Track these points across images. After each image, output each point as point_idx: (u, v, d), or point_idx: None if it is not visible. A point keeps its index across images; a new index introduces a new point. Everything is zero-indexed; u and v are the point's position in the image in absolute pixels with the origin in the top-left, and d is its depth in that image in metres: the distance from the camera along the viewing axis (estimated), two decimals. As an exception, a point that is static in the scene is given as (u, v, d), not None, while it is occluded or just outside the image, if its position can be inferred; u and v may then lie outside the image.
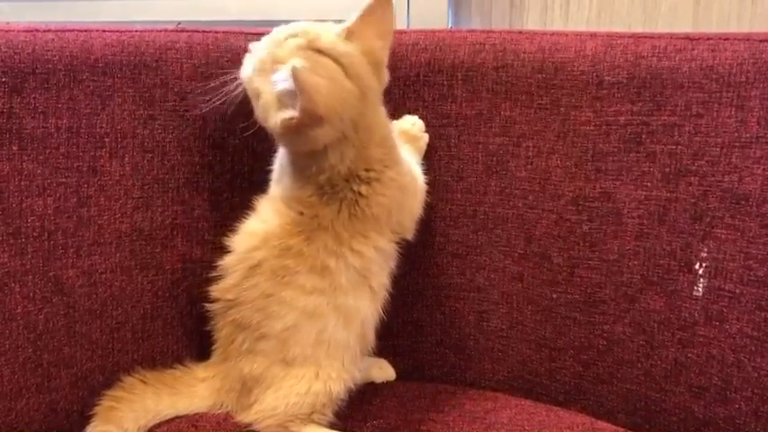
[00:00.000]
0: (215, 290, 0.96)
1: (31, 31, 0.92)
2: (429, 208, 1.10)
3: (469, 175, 1.09)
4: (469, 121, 1.08)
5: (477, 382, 1.12)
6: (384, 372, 1.12)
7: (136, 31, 1.02)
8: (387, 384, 1.11)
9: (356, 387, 1.02)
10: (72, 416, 0.94)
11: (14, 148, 0.90)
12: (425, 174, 1.04)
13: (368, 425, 0.97)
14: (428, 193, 1.08)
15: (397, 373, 1.13)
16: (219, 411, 0.98)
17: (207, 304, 0.97)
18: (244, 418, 0.94)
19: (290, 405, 0.91)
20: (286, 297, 0.91)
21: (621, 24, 1.68)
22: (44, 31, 0.93)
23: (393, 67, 0.96)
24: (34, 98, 0.91)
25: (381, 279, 0.95)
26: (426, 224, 1.09)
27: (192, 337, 1.02)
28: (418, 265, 1.11)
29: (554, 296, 1.05)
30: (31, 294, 0.92)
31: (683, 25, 1.67)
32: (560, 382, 1.07)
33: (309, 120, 0.82)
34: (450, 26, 1.59)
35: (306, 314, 0.90)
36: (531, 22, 1.74)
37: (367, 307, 0.93)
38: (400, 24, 1.53)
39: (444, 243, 1.12)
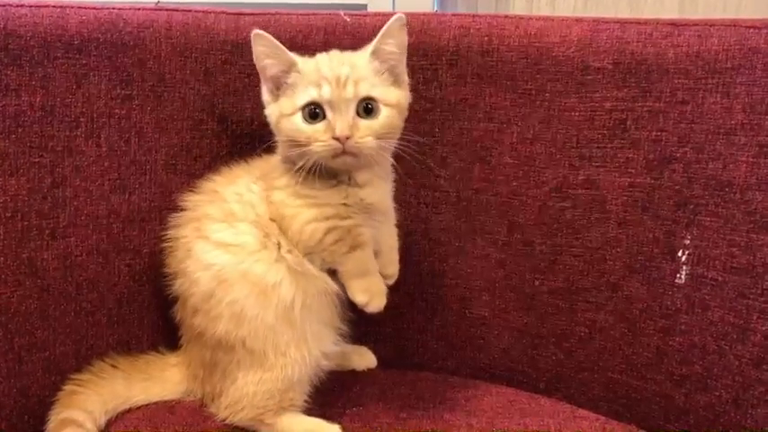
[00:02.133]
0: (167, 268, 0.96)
1: (4, 5, 0.90)
2: (412, 194, 1.09)
3: (453, 161, 1.08)
4: (454, 107, 1.06)
5: (459, 369, 1.12)
6: (365, 359, 1.11)
7: (113, 8, 0.99)
8: (367, 372, 1.10)
9: (336, 374, 1.02)
10: (44, 401, 0.92)
11: (-15, 125, 0.87)
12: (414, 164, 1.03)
13: (347, 412, 0.96)
14: (412, 179, 1.07)
15: (378, 361, 1.12)
16: (192, 399, 0.97)
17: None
18: (216, 411, 0.93)
19: (250, 396, 0.90)
20: (197, 250, 0.90)
21: (607, 14, 1.68)
22: (17, 6, 0.91)
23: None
24: (6, 75, 0.88)
25: (304, 264, 0.91)
26: (409, 210, 1.08)
27: (168, 323, 1.00)
28: (400, 252, 1.09)
29: (536, 284, 1.05)
30: (4, 276, 0.90)
31: (669, 14, 1.67)
32: (542, 369, 1.06)
33: None
34: (435, 10, 1.58)
35: (214, 277, 0.89)
36: (518, 9, 1.73)
37: (288, 287, 0.89)
38: (385, 7, 1.52)
39: (427, 230, 1.11)
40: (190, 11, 1.06)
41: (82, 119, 0.95)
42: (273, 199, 0.91)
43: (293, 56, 0.88)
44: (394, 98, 0.89)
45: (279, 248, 0.90)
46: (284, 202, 0.90)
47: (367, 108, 0.87)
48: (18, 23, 0.89)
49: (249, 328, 0.88)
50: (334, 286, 0.92)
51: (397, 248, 1.00)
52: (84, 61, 0.95)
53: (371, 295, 0.92)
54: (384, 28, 0.88)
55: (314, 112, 0.86)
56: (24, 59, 0.90)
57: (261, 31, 0.87)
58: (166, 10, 1.04)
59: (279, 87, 0.89)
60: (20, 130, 0.90)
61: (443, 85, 1.06)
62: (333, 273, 0.93)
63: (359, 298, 0.92)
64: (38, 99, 0.91)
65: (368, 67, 0.88)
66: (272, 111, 0.90)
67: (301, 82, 0.87)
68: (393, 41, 0.89)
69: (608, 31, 0.98)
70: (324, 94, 0.85)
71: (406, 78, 0.92)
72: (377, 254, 0.95)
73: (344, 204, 0.90)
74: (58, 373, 0.95)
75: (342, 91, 0.85)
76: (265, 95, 0.91)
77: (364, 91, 0.86)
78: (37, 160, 0.92)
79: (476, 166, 1.07)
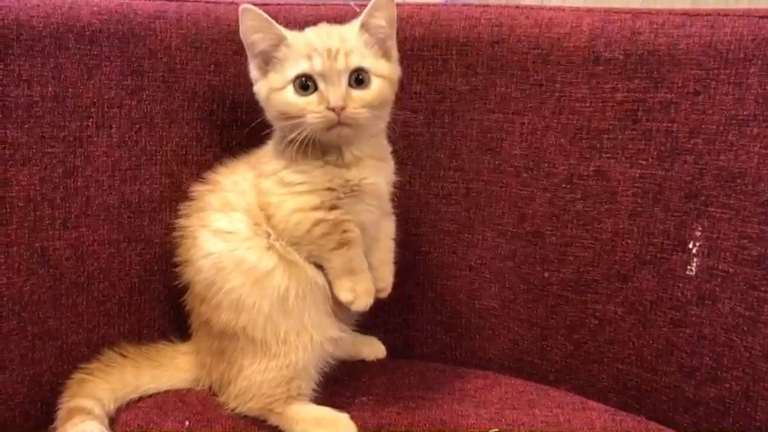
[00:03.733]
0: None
1: (16, -4, 0.90)
2: (422, 185, 1.09)
3: (463, 152, 1.08)
4: (464, 97, 1.06)
5: (468, 360, 1.12)
6: (374, 349, 1.11)
7: (125, -2, 1.00)
8: (377, 362, 1.10)
9: (345, 364, 1.02)
10: (56, 389, 0.92)
11: (-2, 115, 0.88)
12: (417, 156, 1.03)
13: (356, 401, 0.97)
14: (421, 170, 1.07)
15: (387, 351, 1.12)
16: (202, 388, 0.98)
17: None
18: (225, 401, 0.94)
19: (258, 385, 0.90)
20: (200, 238, 0.91)
21: (619, 4, 1.67)
22: (29, -4, 0.91)
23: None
24: (19, 65, 0.89)
25: (293, 254, 0.90)
26: (418, 201, 1.08)
27: (179, 313, 1.01)
28: (410, 243, 1.10)
29: (546, 275, 1.04)
30: (17, 265, 0.91)
31: (682, 6, 1.66)
32: (551, 361, 1.06)
33: None
34: (446, 1, 1.57)
35: (213, 265, 0.90)
36: (529, 0, 1.72)
37: (281, 276, 0.89)
38: (395, -2, 1.51)
39: (436, 221, 1.11)
40: (200, 1, 1.07)
41: (93, 109, 0.96)
42: (261, 187, 0.91)
43: (283, 30, 0.87)
44: (385, 70, 0.89)
45: (268, 237, 0.90)
46: (270, 190, 0.90)
47: (358, 79, 0.86)
48: (30, 14, 0.90)
49: (248, 317, 0.89)
50: (321, 279, 0.91)
51: (392, 263, 0.99)
52: (95, 52, 0.95)
53: (356, 295, 0.91)
54: (372, 1, 0.88)
55: (305, 84, 0.85)
56: (36, 50, 0.90)
57: (250, 6, 0.85)
58: (177, 1, 1.04)
59: (267, 63, 0.89)
60: (32, 121, 0.90)
61: (453, 75, 1.06)
62: (320, 266, 0.92)
63: (343, 296, 0.91)
64: (49, 89, 0.92)
65: (358, 39, 0.88)
66: (260, 87, 0.90)
67: (291, 55, 0.86)
68: (381, 14, 0.88)
69: (619, 22, 0.98)
70: (315, 65, 0.84)
71: (395, 54, 0.92)
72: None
73: (329, 189, 0.88)
74: (69, 361, 0.95)
75: (333, 62, 0.84)
76: (253, 72, 0.90)
77: (355, 62, 0.86)
78: (49, 150, 0.92)
79: (485, 157, 1.07)
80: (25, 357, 0.92)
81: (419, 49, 1.07)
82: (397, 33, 1.05)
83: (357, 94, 0.86)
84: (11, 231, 0.90)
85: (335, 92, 0.84)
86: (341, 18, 1.07)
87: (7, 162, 0.89)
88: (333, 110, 0.84)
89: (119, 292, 1.01)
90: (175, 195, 1.02)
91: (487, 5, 1.07)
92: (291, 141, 0.86)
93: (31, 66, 0.90)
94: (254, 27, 0.87)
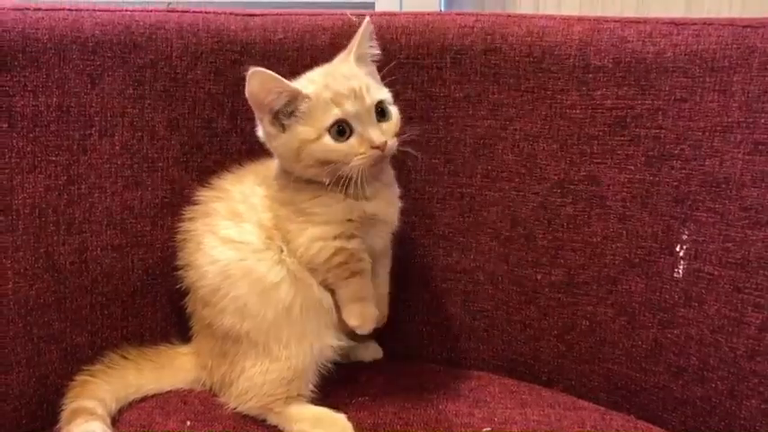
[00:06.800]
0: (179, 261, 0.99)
1: (21, 9, 0.93)
2: (417, 190, 1.12)
3: (457, 158, 1.10)
4: (458, 104, 1.09)
5: (463, 361, 1.14)
6: (371, 351, 1.14)
7: (126, 10, 1.02)
8: (374, 363, 1.12)
9: (342, 365, 1.04)
10: (61, 390, 0.95)
11: (4, 125, 0.91)
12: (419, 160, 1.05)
13: (353, 402, 0.99)
14: (417, 175, 1.09)
15: (384, 352, 1.14)
16: (203, 389, 1.00)
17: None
18: (226, 401, 0.96)
19: (258, 386, 0.93)
20: (206, 244, 0.94)
21: (614, 11, 1.69)
22: (34, 9, 0.94)
23: (383, 50, 0.98)
24: (24, 76, 0.92)
25: (302, 272, 0.93)
26: (413, 206, 1.10)
27: (181, 316, 1.03)
28: (405, 246, 1.12)
29: (538, 277, 1.07)
30: (23, 270, 0.93)
31: (676, 12, 1.68)
32: (543, 361, 1.08)
33: None
34: (441, 10, 1.59)
35: (219, 271, 0.92)
36: (524, 8, 1.74)
37: (287, 289, 0.91)
38: (393, 7, 1.54)
39: (431, 225, 1.13)
40: (200, 12, 1.09)
41: (96, 118, 0.98)
42: (278, 213, 0.93)
43: (293, 84, 0.87)
44: (391, 98, 0.92)
45: (281, 252, 0.92)
46: (287, 217, 0.92)
47: (380, 112, 0.89)
48: (35, 27, 0.92)
49: (252, 323, 0.91)
50: (327, 301, 0.94)
51: (387, 295, 1.03)
52: (98, 62, 0.98)
53: (364, 320, 0.95)
54: (361, 32, 0.92)
55: (341, 129, 0.87)
56: (41, 61, 0.93)
57: (259, 69, 0.84)
58: (177, 11, 1.07)
59: (282, 117, 0.88)
60: (37, 130, 0.93)
61: (447, 82, 1.08)
62: (329, 288, 0.95)
63: (352, 321, 0.95)
64: (54, 99, 0.94)
65: (362, 73, 0.91)
66: (284, 142, 0.89)
67: (317, 105, 0.87)
68: (372, 42, 0.92)
69: (609, 31, 1.00)
70: (349, 109, 0.86)
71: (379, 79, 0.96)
72: None
73: (349, 220, 0.91)
74: (74, 363, 0.98)
75: (362, 102, 0.87)
76: (268, 128, 0.89)
77: (376, 96, 0.89)
78: (53, 158, 0.95)
79: (479, 162, 1.09)
80: (31, 359, 0.95)
81: (414, 57, 1.09)
82: (393, 42, 1.09)
83: (385, 126, 0.89)
84: (17, 237, 0.92)
85: (374, 131, 0.87)
86: (337, 28, 1.10)
87: (13, 170, 0.92)
88: (377, 147, 0.87)
89: (121, 295, 1.03)
90: (176, 201, 1.04)
91: (481, 14, 1.09)
92: (343, 182, 0.88)
93: (36, 77, 0.92)
94: (265, 89, 0.86)
